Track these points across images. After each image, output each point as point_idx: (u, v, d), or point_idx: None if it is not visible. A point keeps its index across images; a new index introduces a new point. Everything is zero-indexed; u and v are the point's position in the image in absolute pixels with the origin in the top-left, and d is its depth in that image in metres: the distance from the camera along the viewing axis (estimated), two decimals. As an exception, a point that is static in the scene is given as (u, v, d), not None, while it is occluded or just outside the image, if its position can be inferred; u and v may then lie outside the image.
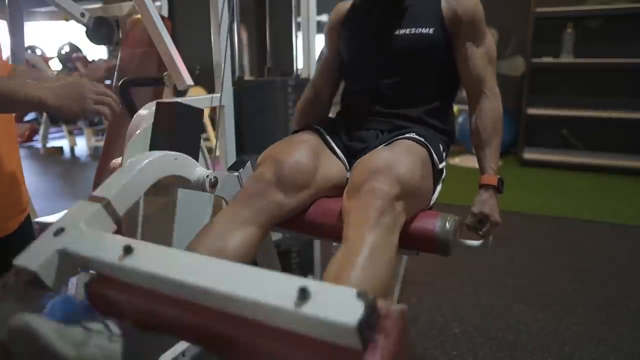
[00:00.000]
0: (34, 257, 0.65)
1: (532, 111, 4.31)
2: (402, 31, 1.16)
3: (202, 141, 1.32)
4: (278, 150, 1.06)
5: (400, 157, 0.95)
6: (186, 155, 0.99)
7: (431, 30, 1.14)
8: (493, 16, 4.28)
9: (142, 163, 0.86)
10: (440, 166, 1.09)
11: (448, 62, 1.22)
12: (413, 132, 1.10)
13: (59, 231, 0.68)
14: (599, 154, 4.25)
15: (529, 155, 4.35)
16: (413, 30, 1.15)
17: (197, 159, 1.11)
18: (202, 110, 1.13)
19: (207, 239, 0.93)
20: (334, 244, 1.97)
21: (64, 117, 0.97)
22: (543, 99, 4.42)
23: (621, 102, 4.21)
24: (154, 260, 0.60)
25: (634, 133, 4.20)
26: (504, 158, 4.52)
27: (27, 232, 1.10)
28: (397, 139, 1.08)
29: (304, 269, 1.85)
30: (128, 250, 0.61)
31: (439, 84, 1.23)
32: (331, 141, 1.16)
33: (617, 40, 4.16)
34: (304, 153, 1.05)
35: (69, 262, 0.67)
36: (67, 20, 1.73)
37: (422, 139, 1.06)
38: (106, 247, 0.64)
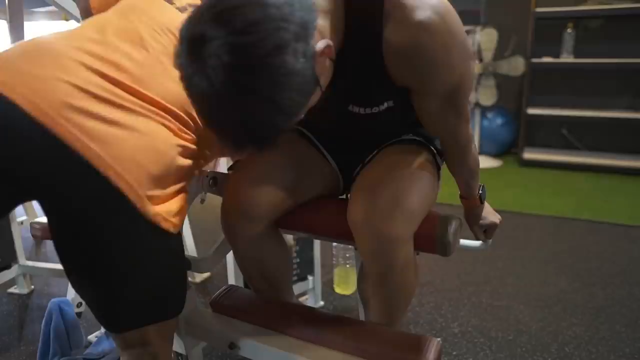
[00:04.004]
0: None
1: (532, 111, 4.31)
2: (355, 109, 0.91)
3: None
4: (245, 179, 0.97)
5: (404, 181, 0.89)
6: None
7: (391, 103, 0.89)
8: (493, 16, 4.30)
9: None
10: (443, 165, 1.07)
11: None
12: (411, 133, 1.04)
13: None
14: (599, 154, 4.24)
15: (529, 155, 4.35)
16: (367, 111, 0.90)
17: None
18: None
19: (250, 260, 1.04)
20: (334, 244, 1.98)
21: None
22: (543, 99, 4.42)
23: (621, 102, 4.21)
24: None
25: (634, 133, 4.20)
26: (504, 158, 4.52)
27: None
28: (395, 142, 1.03)
29: (304, 269, 1.85)
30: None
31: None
32: (319, 144, 1.08)
33: (617, 40, 4.15)
34: (277, 173, 0.97)
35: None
36: (67, 20, 1.73)
37: (422, 139, 1.02)
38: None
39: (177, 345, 0.99)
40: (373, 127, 0.98)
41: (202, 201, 1.15)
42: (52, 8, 1.71)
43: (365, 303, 1.09)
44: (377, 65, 0.80)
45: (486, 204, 1.11)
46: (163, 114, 0.81)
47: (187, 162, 0.85)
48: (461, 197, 1.08)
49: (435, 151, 1.03)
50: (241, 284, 1.57)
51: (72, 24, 1.72)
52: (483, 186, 1.08)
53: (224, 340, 0.94)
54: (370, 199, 0.86)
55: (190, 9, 0.69)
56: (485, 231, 1.11)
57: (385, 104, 0.88)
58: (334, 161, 1.09)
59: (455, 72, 0.80)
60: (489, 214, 1.11)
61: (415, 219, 0.89)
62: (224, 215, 0.99)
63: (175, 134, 0.82)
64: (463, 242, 1.10)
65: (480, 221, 1.10)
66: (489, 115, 4.46)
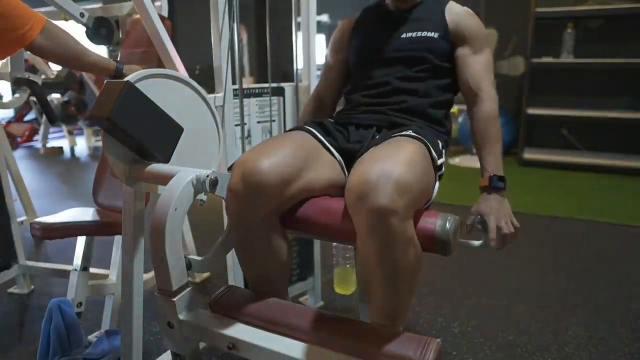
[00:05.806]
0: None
1: (532, 111, 4.31)
2: (408, 34, 1.27)
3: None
4: (256, 153, 1.02)
5: (397, 158, 0.92)
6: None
7: (436, 35, 1.25)
8: (493, 16, 4.30)
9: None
10: (439, 162, 1.09)
11: (450, 69, 1.27)
12: (410, 130, 1.10)
13: None
14: (599, 154, 4.25)
15: (529, 155, 4.35)
16: (419, 34, 1.26)
17: (165, 148, 1.06)
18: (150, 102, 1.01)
19: (252, 265, 1.09)
20: (334, 244, 1.98)
21: None
22: (543, 99, 4.42)
23: (621, 102, 4.21)
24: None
25: (634, 133, 4.20)
26: (504, 158, 4.51)
27: None
28: (393, 136, 1.09)
29: (304, 269, 1.85)
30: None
31: (442, 87, 1.28)
32: (324, 140, 1.14)
33: (617, 40, 4.16)
34: (286, 152, 1.02)
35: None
36: (66, 20, 1.73)
37: (419, 135, 1.07)
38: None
39: (176, 346, 0.99)
40: (410, 49, 1.26)
41: (202, 203, 1.15)
42: (52, 8, 1.71)
43: (365, 302, 1.09)
44: (439, 13, 1.28)
45: (495, 204, 1.10)
46: None
47: None
48: (481, 175, 1.17)
49: (433, 153, 1.06)
50: (241, 284, 1.57)
51: (72, 24, 1.71)
52: (496, 176, 1.12)
53: (223, 341, 0.94)
54: (362, 175, 0.89)
55: None
56: (483, 224, 1.10)
57: (431, 34, 1.25)
58: (340, 157, 1.15)
59: (483, 34, 1.28)
60: (492, 213, 1.09)
61: (407, 192, 0.87)
62: (232, 192, 0.99)
63: None
64: (463, 241, 1.10)
65: (479, 209, 1.10)
66: (489, 115, 4.45)
